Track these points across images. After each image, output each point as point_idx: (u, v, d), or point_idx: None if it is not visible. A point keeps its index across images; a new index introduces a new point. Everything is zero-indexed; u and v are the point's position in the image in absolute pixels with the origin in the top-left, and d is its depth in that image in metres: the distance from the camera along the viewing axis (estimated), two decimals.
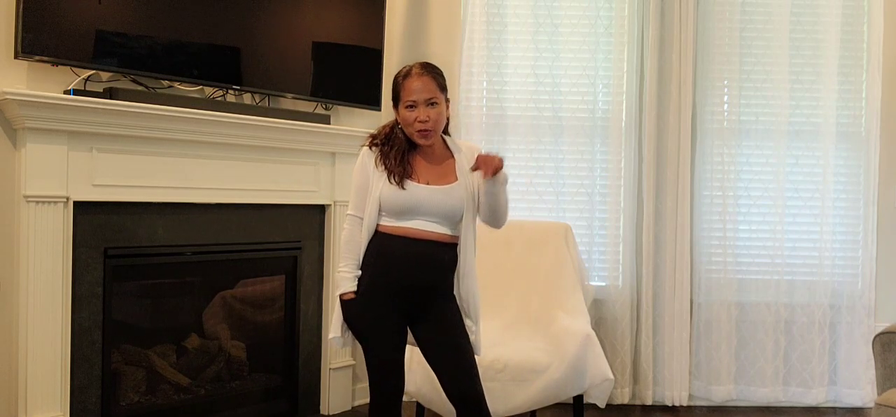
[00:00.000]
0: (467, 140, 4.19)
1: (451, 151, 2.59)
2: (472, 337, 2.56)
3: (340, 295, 2.52)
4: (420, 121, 2.47)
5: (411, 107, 2.48)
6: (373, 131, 2.64)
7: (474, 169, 2.46)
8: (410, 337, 2.59)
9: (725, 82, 4.23)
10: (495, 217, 2.56)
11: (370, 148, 2.56)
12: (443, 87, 2.53)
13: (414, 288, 2.50)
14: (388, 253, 2.48)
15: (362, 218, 2.54)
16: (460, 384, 2.47)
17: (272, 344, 3.83)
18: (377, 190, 2.49)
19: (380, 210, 2.50)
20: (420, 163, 2.54)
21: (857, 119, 4.25)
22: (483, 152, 2.48)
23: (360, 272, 2.51)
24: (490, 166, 2.41)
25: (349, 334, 2.56)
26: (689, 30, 4.16)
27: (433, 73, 2.51)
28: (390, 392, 2.53)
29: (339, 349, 3.93)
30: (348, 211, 2.58)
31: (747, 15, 4.23)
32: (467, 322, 2.57)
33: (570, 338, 3.25)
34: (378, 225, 2.51)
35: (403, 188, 2.46)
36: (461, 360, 2.49)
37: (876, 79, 4.19)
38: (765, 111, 4.24)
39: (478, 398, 2.48)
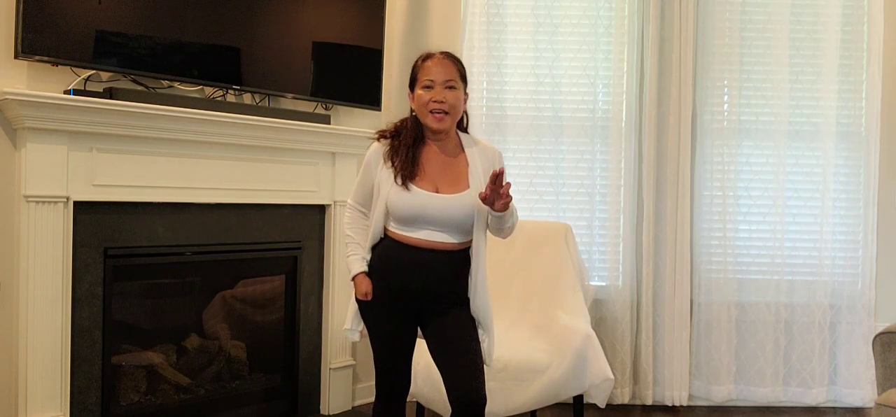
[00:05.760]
0: None
1: (464, 148, 2.48)
2: (482, 345, 2.48)
3: (353, 278, 2.47)
4: (435, 102, 2.36)
5: (428, 87, 2.38)
6: (383, 127, 2.54)
7: (483, 198, 2.30)
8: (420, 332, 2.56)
9: (725, 82, 4.23)
10: (500, 235, 2.52)
11: (379, 140, 2.47)
12: (463, 77, 2.45)
13: (422, 293, 2.43)
14: (395, 260, 2.42)
15: (363, 211, 2.52)
16: (462, 387, 2.37)
17: (272, 344, 3.83)
18: (385, 192, 2.41)
19: (387, 214, 2.43)
20: (431, 160, 2.44)
21: (857, 119, 4.25)
22: (498, 170, 2.27)
23: (368, 254, 2.46)
24: (500, 201, 2.29)
25: (361, 327, 2.53)
26: (689, 30, 4.16)
27: (455, 61, 2.45)
28: (394, 391, 2.54)
29: (337, 347, 3.94)
30: (349, 201, 2.56)
31: (747, 15, 4.23)
32: (479, 331, 2.49)
33: (571, 338, 3.25)
34: (386, 229, 2.45)
35: (408, 189, 2.37)
36: (465, 363, 2.40)
37: (876, 79, 4.19)
38: (765, 111, 4.24)
39: (478, 403, 2.38)
